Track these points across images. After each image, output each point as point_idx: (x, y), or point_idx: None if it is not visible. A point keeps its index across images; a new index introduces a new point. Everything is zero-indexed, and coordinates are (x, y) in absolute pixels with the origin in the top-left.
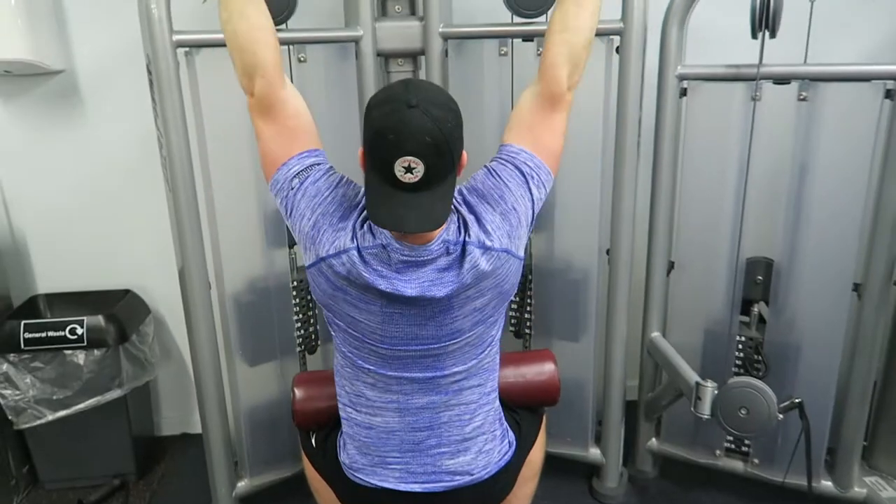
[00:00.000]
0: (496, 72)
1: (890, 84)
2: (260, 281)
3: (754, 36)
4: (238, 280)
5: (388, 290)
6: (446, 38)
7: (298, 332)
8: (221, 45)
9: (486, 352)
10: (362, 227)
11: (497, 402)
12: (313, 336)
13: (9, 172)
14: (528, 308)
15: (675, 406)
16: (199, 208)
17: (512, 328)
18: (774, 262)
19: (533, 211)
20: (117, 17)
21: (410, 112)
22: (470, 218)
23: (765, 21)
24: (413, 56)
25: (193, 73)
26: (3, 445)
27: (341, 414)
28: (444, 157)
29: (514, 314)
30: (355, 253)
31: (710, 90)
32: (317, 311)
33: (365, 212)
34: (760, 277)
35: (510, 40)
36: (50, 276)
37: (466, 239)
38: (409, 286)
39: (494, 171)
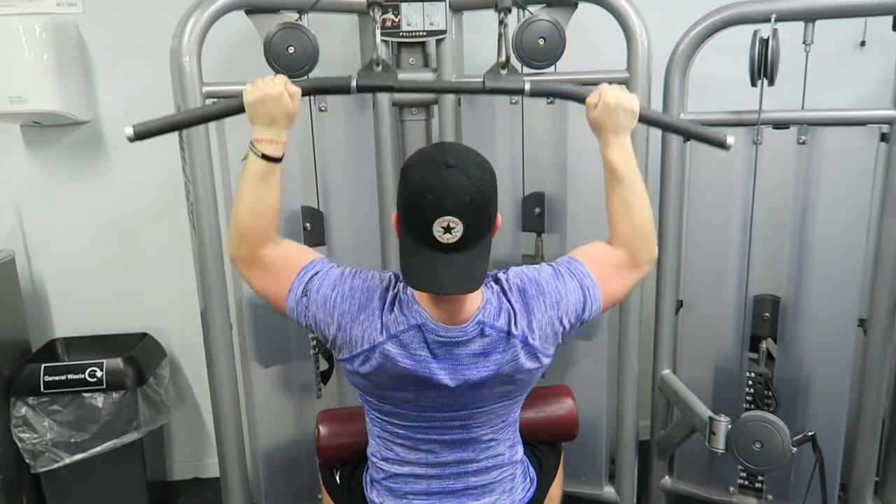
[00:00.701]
0: (508, 122)
1: (885, 128)
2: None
3: (753, 84)
4: (259, 322)
5: (423, 374)
6: None
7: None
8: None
9: (514, 413)
10: (391, 310)
11: (521, 447)
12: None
13: (32, 219)
14: None
15: (688, 443)
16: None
17: None
18: (781, 300)
19: (564, 333)
20: (141, 69)
21: (449, 172)
22: (520, 310)
23: (763, 69)
24: (426, 106)
25: (221, 122)
26: (19, 489)
27: (371, 458)
28: (482, 216)
29: None
30: (389, 345)
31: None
32: None
33: (390, 294)
34: (768, 314)
35: None
36: (68, 320)
37: (513, 330)
38: (443, 372)
39: (562, 276)
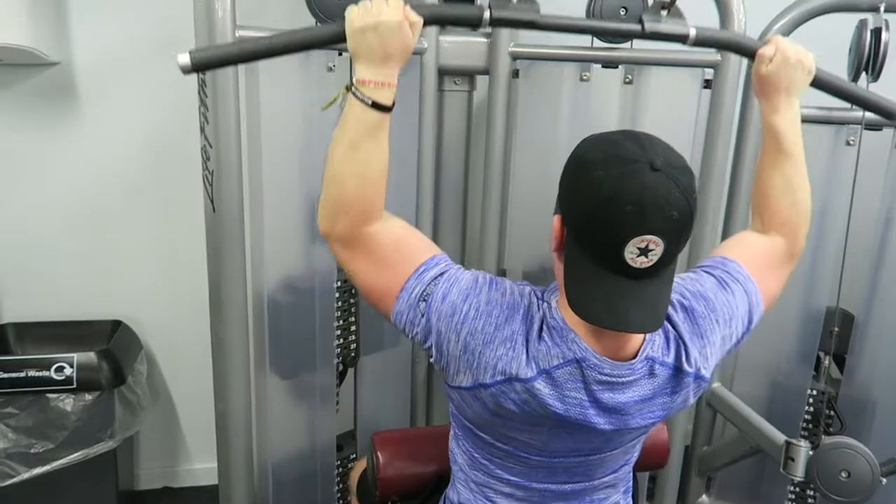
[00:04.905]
0: (574, 99)
1: None
2: (300, 280)
3: (855, 78)
4: (282, 324)
5: (576, 419)
6: (515, 57)
7: (338, 342)
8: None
9: (635, 454)
10: (540, 338)
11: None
12: (353, 347)
13: None
14: None
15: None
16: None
17: None
18: (851, 314)
19: (729, 353)
20: (128, 5)
21: (655, 177)
22: (690, 336)
23: (871, 63)
24: (471, 75)
25: (255, 80)
26: None
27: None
28: (684, 237)
29: None
30: (540, 383)
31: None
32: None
33: (536, 317)
34: (836, 328)
35: (591, 65)
36: (20, 301)
37: (685, 365)
38: (602, 418)
39: (727, 285)
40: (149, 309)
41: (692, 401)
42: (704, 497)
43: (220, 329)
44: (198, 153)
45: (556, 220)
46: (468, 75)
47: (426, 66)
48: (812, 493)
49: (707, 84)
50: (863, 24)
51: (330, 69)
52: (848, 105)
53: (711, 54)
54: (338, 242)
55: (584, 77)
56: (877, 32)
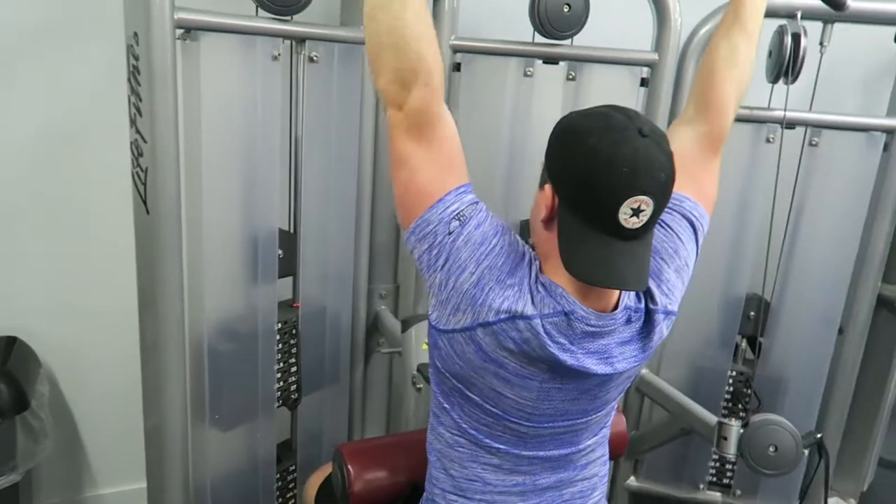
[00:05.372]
0: (517, 94)
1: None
2: (240, 322)
3: (774, 80)
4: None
5: (573, 365)
6: (457, 50)
7: (279, 385)
8: (231, 31)
9: (612, 416)
10: (538, 288)
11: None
12: (293, 389)
13: None
14: None
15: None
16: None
17: None
18: (764, 299)
19: (689, 274)
20: None
21: (645, 142)
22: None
23: (790, 67)
24: None
25: (193, 64)
26: None
27: (438, 497)
28: (668, 198)
29: None
30: (538, 321)
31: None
32: (300, 361)
33: (532, 269)
34: (753, 313)
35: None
36: None
37: (651, 305)
38: (593, 361)
39: (663, 221)
40: (41, 319)
41: (665, 334)
42: (632, 479)
43: (153, 360)
44: (115, 148)
45: (547, 189)
46: None
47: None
48: (731, 469)
49: (643, 82)
50: (782, 29)
51: (275, 58)
52: (766, 104)
53: (648, 53)
54: (406, 122)
55: (528, 73)
56: (796, 38)
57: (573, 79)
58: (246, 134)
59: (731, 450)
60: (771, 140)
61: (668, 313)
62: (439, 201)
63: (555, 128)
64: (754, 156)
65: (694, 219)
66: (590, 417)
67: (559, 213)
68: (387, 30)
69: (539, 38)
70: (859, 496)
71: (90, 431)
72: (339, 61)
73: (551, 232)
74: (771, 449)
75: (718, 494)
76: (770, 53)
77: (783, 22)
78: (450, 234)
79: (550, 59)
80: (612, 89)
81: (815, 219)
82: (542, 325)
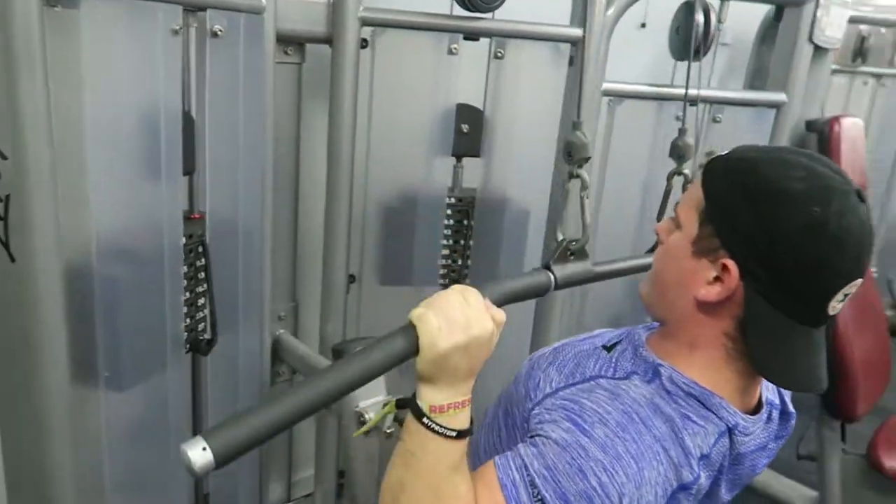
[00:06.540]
0: (437, 74)
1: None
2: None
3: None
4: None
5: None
6: (366, 23)
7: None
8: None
9: None
10: (684, 421)
11: None
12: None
13: None
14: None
15: None
16: None
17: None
18: None
19: None
20: None
21: (865, 209)
22: None
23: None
24: (300, 44)
25: (71, 41)
26: None
27: None
28: None
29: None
30: (702, 474)
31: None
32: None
33: (668, 402)
34: None
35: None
36: None
37: (789, 407)
38: (726, 484)
39: None
40: None
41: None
42: None
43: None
44: None
45: (731, 268)
46: (298, 44)
47: (265, 30)
48: None
49: (572, 61)
50: (688, 6)
51: (175, 32)
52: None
53: (573, 29)
54: None
55: (454, 50)
56: (706, 13)
57: (501, 57)
58: (145, 135)
59: None
60: (678, 118)
61: (793, 417)
62: None
63: (733, 176)
64: (660, 132)
65: None
66: None
67: (747, 301)
68: None
69: (458, 11)
70: None
71: None
72: (246, 35)
73: (712, 317)
74: None
75: None
76: (677, 29)
77: None
78: None
79: (471, 36)
80: (540, 69)
81: None
82: (709, 462)
